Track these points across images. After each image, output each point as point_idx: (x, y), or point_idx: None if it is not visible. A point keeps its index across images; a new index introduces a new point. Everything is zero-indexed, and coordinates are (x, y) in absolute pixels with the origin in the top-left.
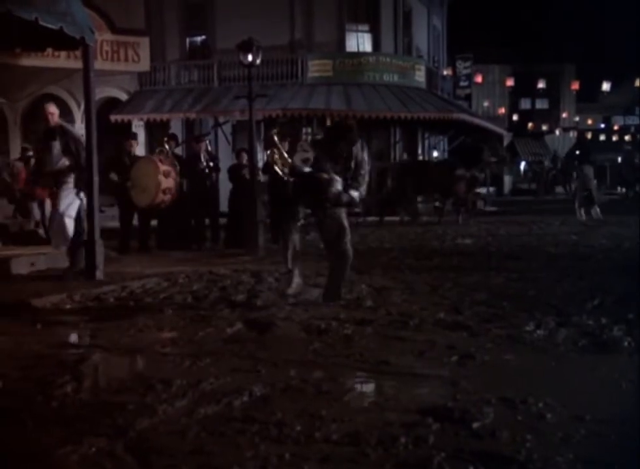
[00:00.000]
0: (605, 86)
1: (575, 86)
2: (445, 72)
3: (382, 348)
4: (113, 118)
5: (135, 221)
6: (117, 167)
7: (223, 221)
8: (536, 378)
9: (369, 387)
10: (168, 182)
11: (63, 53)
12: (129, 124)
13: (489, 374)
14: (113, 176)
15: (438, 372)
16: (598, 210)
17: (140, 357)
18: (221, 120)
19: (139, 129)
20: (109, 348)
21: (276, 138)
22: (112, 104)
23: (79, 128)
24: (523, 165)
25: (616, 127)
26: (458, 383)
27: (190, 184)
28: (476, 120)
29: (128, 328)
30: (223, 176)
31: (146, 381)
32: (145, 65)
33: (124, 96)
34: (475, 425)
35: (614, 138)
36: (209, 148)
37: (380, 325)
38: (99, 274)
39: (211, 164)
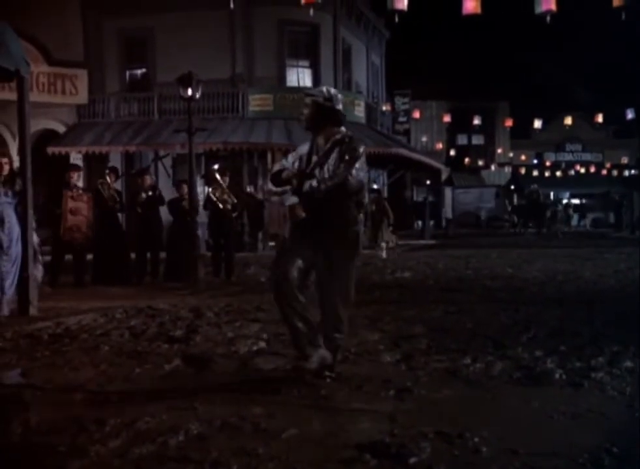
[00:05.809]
0: (537, 123)
1: (509, 123)
2: (384, 108)
3: (321, 384)
4: (50, 150)
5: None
6: (57, 199)
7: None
8: (473, 412)
9: (307, 424)
10: (76, 219)
11: None
12: (67, 156)
13: (426, 409)
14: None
15: (376, 407)
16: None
17: (74, 396)
18: (161, 153)
19: (77, 161)
20: (41, 387)
21: (217, 174)
22: (50, 136)
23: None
24: None
25: (548, 164)
26: (395, 418)
27: (131, 218)
28: (415, 155)
29: (62, 366)
30: (164, 209)
31: (78, 421)
32: (83, 97)
33: (62, 129)
34: (412, 460)
35: (547, 173)
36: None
37: None
38: (33, 310)
39: (156, 193)
